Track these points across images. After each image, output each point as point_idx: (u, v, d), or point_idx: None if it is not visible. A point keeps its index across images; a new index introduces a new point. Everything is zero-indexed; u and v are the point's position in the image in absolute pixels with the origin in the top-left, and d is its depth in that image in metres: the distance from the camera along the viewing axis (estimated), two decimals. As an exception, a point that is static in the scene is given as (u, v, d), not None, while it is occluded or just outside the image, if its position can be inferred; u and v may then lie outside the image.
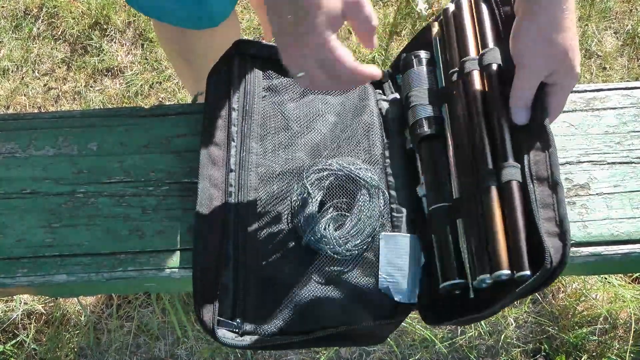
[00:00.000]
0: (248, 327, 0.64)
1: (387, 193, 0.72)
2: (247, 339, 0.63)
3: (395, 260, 0.67)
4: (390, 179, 0.73)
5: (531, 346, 1.31)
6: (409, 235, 0.69)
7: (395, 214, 0.71)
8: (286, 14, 0.53)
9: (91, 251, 0.70)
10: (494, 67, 0.67)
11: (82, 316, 1.30)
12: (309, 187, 0.70)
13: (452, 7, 0.75)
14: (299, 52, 0.55)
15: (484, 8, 0.71)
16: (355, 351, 1.30)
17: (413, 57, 0.75)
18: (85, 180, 0.75)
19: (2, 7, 1.73)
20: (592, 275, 1.31)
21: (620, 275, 1.34)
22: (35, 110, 1.59)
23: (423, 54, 0.76)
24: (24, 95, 1.62)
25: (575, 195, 0.73)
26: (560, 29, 0.61)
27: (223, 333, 0.62)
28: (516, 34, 0.64)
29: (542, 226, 0.58)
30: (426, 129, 0.71)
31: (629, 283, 1.36)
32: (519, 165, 0.62)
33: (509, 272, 0.58)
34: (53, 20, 1.71)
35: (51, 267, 0.70)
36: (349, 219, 0.69)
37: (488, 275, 0.59)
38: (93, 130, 0.78)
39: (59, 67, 1.66)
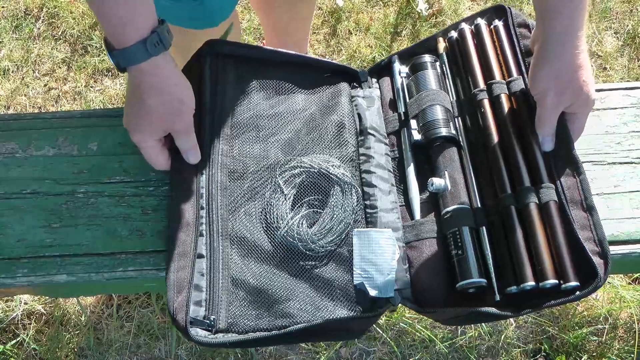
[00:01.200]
0: (221, 324, 0.64)
1: (360, 190, 0.72)
2: (220, 337, 0.63)
3: (370, 256, 0.68)
4: (364, 175, 0.73)
5: (531, 346, 1.31)
6: (382, 230, 0.70)
7: (369, 210, 0.72)
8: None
9: (91, 251, 0.70)
10: (522, 95, 0.73)
11: (82, 316, 1.30)
12: (282, 185, 0.71)
13: (467, 28, 0.79)
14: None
15: (504, 38, 0.77)
16: (355, 351, 1.30)
17: (430, 61, 0.79)
18: (85, 180, 0.75)
19: (3, 7, 1.73)
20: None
21: (620, 275, 1.34)
22: (36, 111, 1.59)
23: (436, 60, 0.80)
24: (25, 95, 1.62)
25: (576, 196, 0.73)
26: (573, 69, 0.66)
27: (196, 331, 0.62)
28: (533, 77, 0.69)
29: (585, 245, 0.63)
30: (444, 130, 0.73)
31: (629, 283, 1.36)
32: (554, 186, 0.67)
33: (555, 281, 0.62)
34: (53, 20, 1.71)
35: (51, 267, 0.69)
36: (322, 216, 0.69)
37: (533, 283, 0.63)
38: (93, 130, 0.78)
39: (60, 67, 1.66)
